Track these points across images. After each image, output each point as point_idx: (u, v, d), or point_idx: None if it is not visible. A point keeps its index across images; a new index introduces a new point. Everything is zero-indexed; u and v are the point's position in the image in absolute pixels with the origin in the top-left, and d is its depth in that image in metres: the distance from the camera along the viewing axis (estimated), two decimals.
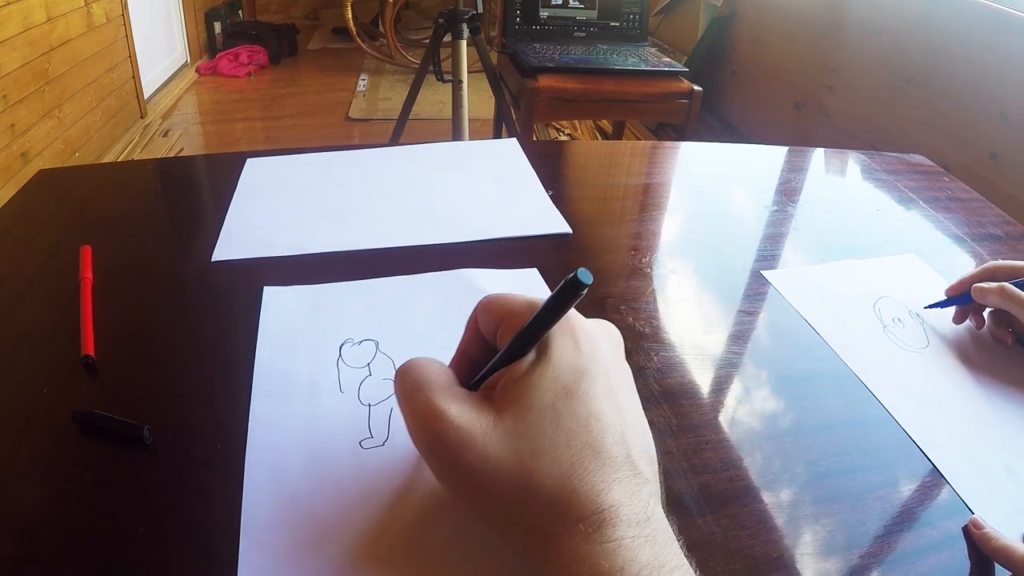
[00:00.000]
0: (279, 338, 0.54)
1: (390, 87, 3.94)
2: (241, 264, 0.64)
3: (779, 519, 0.42)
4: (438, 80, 2.23)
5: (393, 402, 0.47)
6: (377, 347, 0.53)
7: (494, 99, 2.28)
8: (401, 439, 0.44)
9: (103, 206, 0.75)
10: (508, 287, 0.60)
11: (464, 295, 0.59)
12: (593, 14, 2.30)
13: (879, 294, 0.64)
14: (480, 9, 2.13)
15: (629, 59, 2.15)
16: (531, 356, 0.34)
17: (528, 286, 0.61)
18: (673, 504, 0.42)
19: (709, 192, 0.86)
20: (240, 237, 0.67)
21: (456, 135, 2.24)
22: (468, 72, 2.17)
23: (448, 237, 0.69)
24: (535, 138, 2.47)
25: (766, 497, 0.44)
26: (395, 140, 2.30)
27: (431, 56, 2.18)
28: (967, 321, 0.61)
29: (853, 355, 0.56)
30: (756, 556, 0.40)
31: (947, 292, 0.61)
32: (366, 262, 0.64)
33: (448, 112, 2.27)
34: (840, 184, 0.91)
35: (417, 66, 2.45)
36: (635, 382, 0.37)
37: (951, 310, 0.61)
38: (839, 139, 2.20)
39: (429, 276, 0.62)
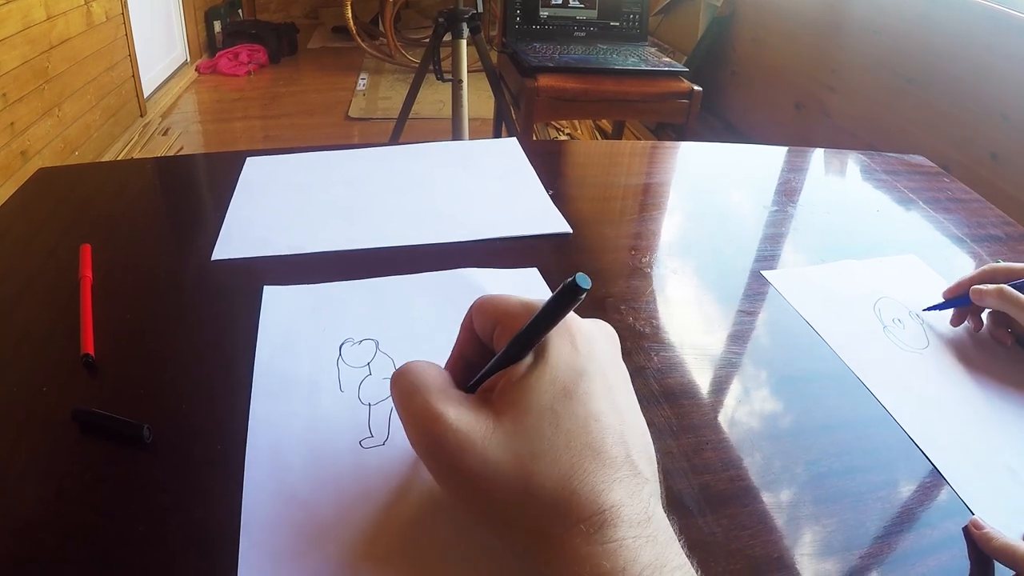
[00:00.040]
0: (279, 337, 0.54)
1: (390, 86, 3.94)
2: (241, 263, 0.64)
3: (780, 519, 0.42)
4: (438, 79, 2.23)
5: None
6: (377, 346, 0.53)
7: (494, 99, 2.28)
8: (401, 439, 0.44)
9: (103, 205, 0.75)
10: (508, 287, 0.60)
11: (464, 295, 0.59)
12: (593, 14, 2.30)
13: (879, 295, 0.64)
14: (480, 8, 2.13)
15: (629, 59, 2.15)
16: (529, 358, 0.34)
17: (528, 286, 0.61)
18: (673, 504, 0.42)
19: (709, 192, 0.86)
20: (240, 236, 0.67)
21: (456, 134, 2.24)
22: (468, 71, 2.17)
23: (448, 236, 0.69)
24: (535, 138, 2.47)
25: (766, 497, 0.44)
26: (395, 139, 2.30)
27: (431, 55, 2.18)
28: (966, 322, 0.61)
29: (853, 355, 0.56)
30: (757, 556, 0.40)
31: (945, 294, 0.61)
32: (366, 261, 0.64)
33: (448, 111, 2.27)
34: (840, 184, 0.91)
35: (417, 65, 2.45)
36: (635, 382, 0.37)
37: (950, 311, 0.61)
38: (839, 139, 2.20)
39: (429, 275, 0.62)
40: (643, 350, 0.56)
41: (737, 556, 0.40)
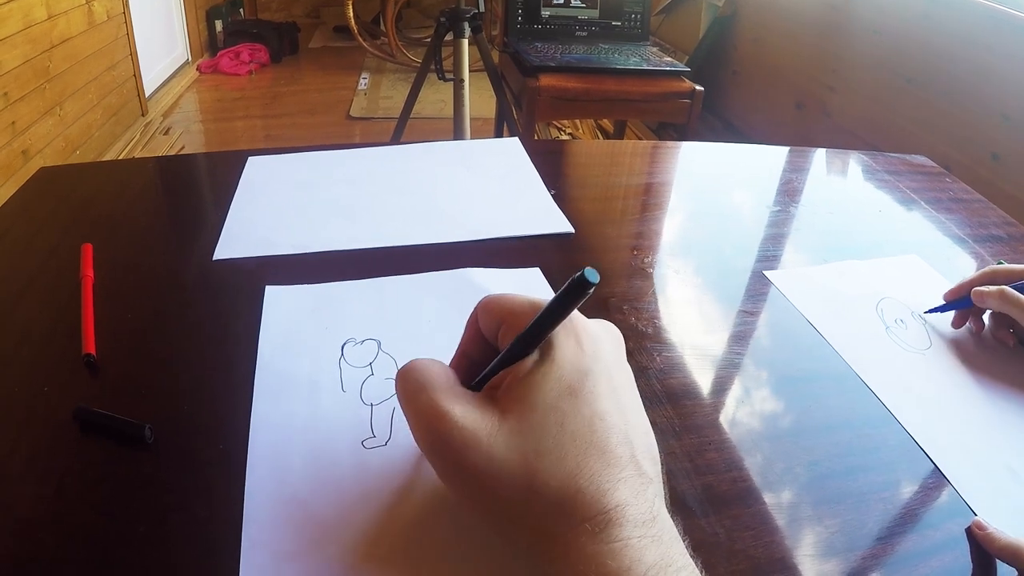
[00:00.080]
0: (281, 337, 0.53)
1: (391, 86, 3.94)
2: (242, 263, 0.64)
3: (782, 520, 0.42)
4: (439, 79, 2.23)
5: (395, 402, 0.47)
6: (379, 346, 0.53)
7: (495, 98, 2.28)
8: (403, 439, 0.44)
9: (104, 204, 0.75)
10: (511, 287, 0.60)
11: (466, 294, 0.59)
12: (595, 13, 2.30)
13: (881, 295, 0.64)
14: (482, 8, 2.13)
15: (631, 59, 2.14)
16: (534, 356, 0.34)
17: (531, 286, 0.61)
18: (676, 505, 0.42)
19: (711, 192, 0.86)
20: (241, 236, 0.67)
21: (457, 134, 2.24)
22: (469, 71, 2.17)
23: (450, 236, 0.69)
24: (536, 137, 2.47)
25: (769, 498, 0.43)
26: (396, 139, 2.30)
27: (432, 55, 2.18)
28: (968, 324, 0.61)
29: (855, 356, 0.56)
30: (759, 557, 0.40)
31: (946, 296, 0.61)
32: (368, 261, 0.64)
33: (449, 111, 2.27)
34: (842, 184, 0.91)
35: (418, 65, 2.45)
36: (638, 382, 0.37)
37: (951, 313, 0.61)
38: (840, 139, 2.20)
39: (431, 275, 0.62)
40: (645, 350, 0.56)
41: (740, 557, 0.39)
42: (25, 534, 0.38)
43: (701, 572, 0.30)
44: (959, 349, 0.58)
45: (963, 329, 0.61)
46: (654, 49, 2.27)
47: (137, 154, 3.04)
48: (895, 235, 0.77)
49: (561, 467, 0.31)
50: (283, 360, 0.51)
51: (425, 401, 0.34)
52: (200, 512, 0.40)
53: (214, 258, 0.64)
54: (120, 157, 2.95)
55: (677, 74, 2.11)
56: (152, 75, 3.54)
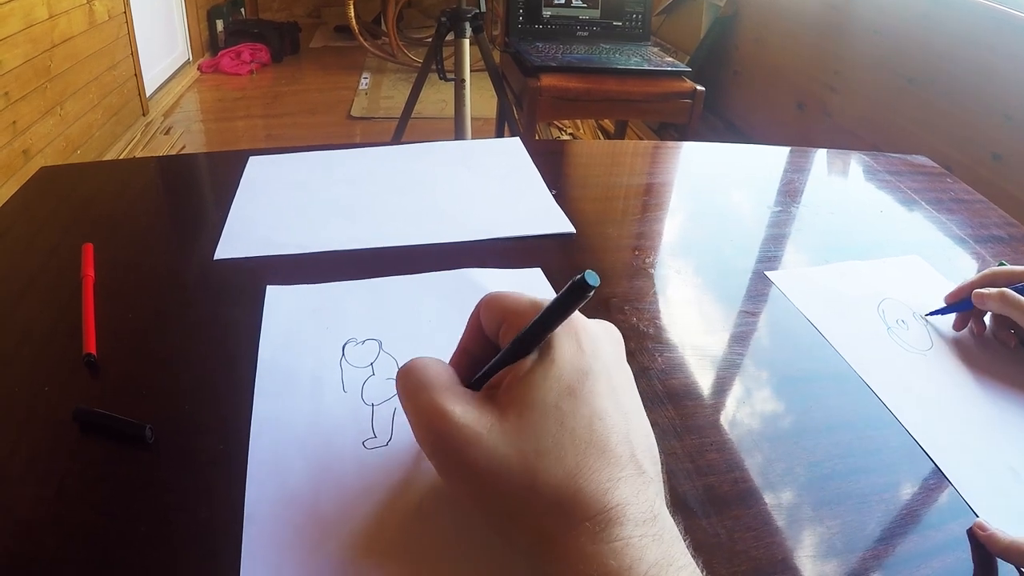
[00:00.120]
0: (282, 337, 0.53)
1: (392, 86, 3.94)
2: (243, 263, 0.64)
3: (783, 521, 0.42)
4: (440, 79, 2.23)
5: (396, 402, 0.47)
6: (380, 346, 0.53)
7: (496, 98, 2.28)
8: (404, 439, 0.44)
9: (105, 204, 0.75)
10: (512, 287, 0.60)
11: (468, 295, 0.59)
12: (596, 13, 2.30)
13: (883, 295, 0.64)
14: (483, 8, 2.13)
15: (632, 59, 2.14)
16: (534, 356, 0.34)
17: (532, 286, 0.61)
18: (678, 505, 0.42)
19: (711, 192, 0.86)
20: (242, 235, 0.67)
21: (458, 134, 2.24)
22: (470, 71, 2.17)
23: (451, 236, 0.69)
24: (537, 137, 2.47)
25: (770, 498, 0.43)
26: (397, 139, 2.30)
27: (433, 55, 2.18)
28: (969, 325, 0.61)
29: (857, 356, 0.56)
30: (761, 558, 0.39)
31: (947, 299, 0.61)
32: (369, 261, 0.64)
33: (450, 111, 2.27)
34: (843, 185, 0.91)
35: (419, 65, 2.45)
36: (639, 383, 0.37)
37: (953, 315, 0.61)
38: (841, 139, 2.20)
39: (433, 275, 0.62)
40: (647, 351, 0.56)
41: (741, 558, 0.39)
42: (25, 534, 0.38)
43: (702, 572, 0.30)
44: (961, 350, 0.58)
45: (964, 330, 0.61)
46: (655, 49, 2.27)
47: (138, 154, 3.04)
48: (896, 235, 0.77)
49: (560, 466, 0.31)
50: (284, 360, 0.51)
51: (425, 400, 0.34)
52: (201, 512, 0.40)
53: (215, 258, 0.64)
54: (121, 157, 2.95)
55: (678, 74, 2.11)
56: (153, 75, 3.55)
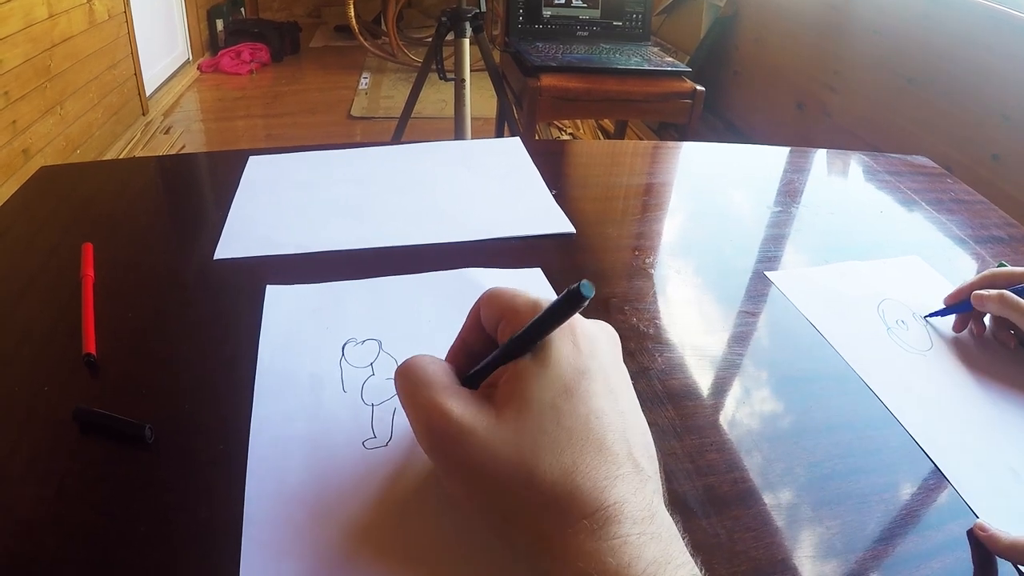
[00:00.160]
0: (281, 337, 0.53)
1: (392, 85, 3.94)
2: (243, 262, 0.64)
3: (783, 521, 0.42)
4: (440, 79, 2.23)
5: (396, 402, 0.47)
6: (380, 346, 0.53)
7: (496, 98, 2.28)
8: (404, 440, 0.44)
9: (105, 203, 0.75)
10: (512, 286, 0.60)
11: (468, 294, 0.58)
12: (596, 13, 2.30)
13: (883, 296, 0.64)
14: (483, 8, 2.13)
15: (632, 58, 2.14)
16: (531, 355, 0.34)
17: (532, 286, 0.61)
18: (677, 505, 0.42)
19: (711, 192, 0.86)
20: (242, 235, 0.67)
21: (458, 134, 2.24)
22: (470, 71, 2.17)
23: (452, 236, 0.69)
24: (537, 137, 2.47)
25: (770, 499, 0.43)
26: (397, 138, 2.30)
27: (433, 54, 2.18)
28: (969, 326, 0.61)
29: (856, 356, 0.56)
30: (760, 558, 0.39)
31: (946, 300, 0.61)
32: (369, 261, 0.64)
33: (450, 111, 2.27)
34: (843, 185, 0.91)
35: (419, 64, 2.45)
36: (639, 383, 0.37)
37: (953, 316, 0.61)
38: (841, 140, 2.20)
39: (433, 275, 0.62)
40: (647, 351, 0.56)
41: (741, 558, 0.39)
42: (25, 534, 0.38)
43: (701, 571, 0.30)
44: (960, 350, 0.58)
45: (964, 331, 0.61)
46: (655, 49, 2.27)
47: (138, 153, 3.04)
48: (896, 236, 0.77)
49: (558, 464, 0.31)
50: (284, 360, 0.51)
51: (424, 398, 0.34)
52: (200, 512, 0.40)
53: (215, 257, 0.64)
54: (121, 156, 2.95)
55: (678, 74, 2.10)
56: (153, 74, 3.54)
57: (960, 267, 0.71)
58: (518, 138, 0.92)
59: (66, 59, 2.62)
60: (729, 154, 0.98)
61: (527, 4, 2.25)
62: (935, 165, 0.96)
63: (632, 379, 0.38)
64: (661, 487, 0.33)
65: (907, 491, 0.45)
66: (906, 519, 0.43)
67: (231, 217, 0.70)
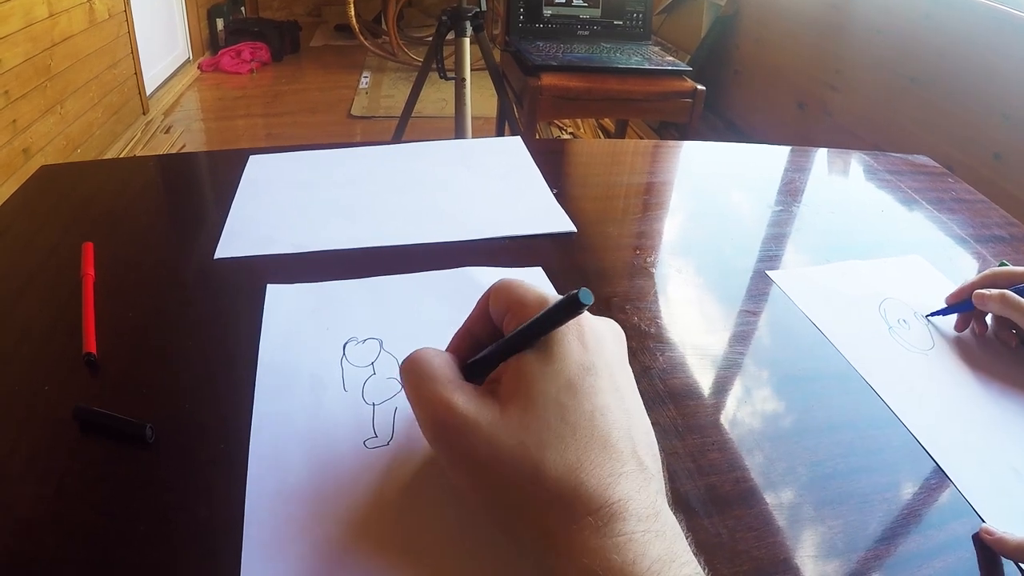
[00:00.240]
0: (282, 337, 0.53)
1: (392, 85, 3.94)
2: (244, 261, 0.64)
3: (785, 520, 0.42)
4: (441, 78, 2.23)
5: (398, 401, 0.47)
6: (381, 346, 0.53)
7: (497, 97, 2.28)
8: (405, 439, 0.44)
9: (105, 202, 0.75)
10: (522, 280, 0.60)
11: (469, 294, 0.58)
12: (596, 12, 2.30)
13: (884, 295, 0.64)
14: (483, 7, 2.13)
15: (632, 58, 2.14)
16: (537, 350, 0.34)
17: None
18: (680, 505, 0.42)
19: (712, 191, 0.86)
20: (243, 234, 0.67)
21: (459, 133, 2.24)
22: (471, 70, 2.17)
23: (452, 235, 0.69)
24: (537, 136, 2.47)
25: (772, 498, 0.43)
26: (397, 138, 2.30)
27: (434, 54, 2.18)
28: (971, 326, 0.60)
29: (858, 356, 0.56)
30: (762, 558, 0.39)
31: (948, 300, 0.61)
32: (370, 260, 0.64)
33: (450, 110, 2.27)
34: (844, 184, 0.91)
35: (420, 64, 2.45)
36: (641, 382, 0.37)
37: (954, 315, 0.61)
38: (842, 139, 2.20)
39: (433, 274, 0.61)
40: (648, 350, 0.55)
41: (743, 557, 0.39)
42: (25, 534, 0.38)
43: (704, 570, 0.30)
44: (962, 350, 0.58)
45: (966, 330, 0.60)
46: (656, 48, 2.27)
47: (138, 152, 3.04)
48: (897, 235, 0.77)
49: (562, 460, 0.31)
50: (284, 359, 0.51)
51: (430, 391, 0.35)
52: (200, 511, 0.40)
53: (215, 257, 0.64)
54: (121, 156, 2.95)
55: (679, 73, 2.10)
56: (153, 73, 3.54)
57: (961, 266, 0.71)
58: (519, 137, 0.92)
59: (66, 58, 2.61)
60: (730, 153, 0.98)
61: (527, 3, 2.25)
62: (936, 164, 0.96)
63: (634, 378, 0.38)
64: (664, 486, 0.33)
65: (909, 490, 0.45)
66: (908, 518, 0.43)
67: (231, 216, 0.70)
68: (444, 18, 2.09)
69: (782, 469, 0.46)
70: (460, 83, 2.15)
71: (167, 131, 3.28)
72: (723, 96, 2.89)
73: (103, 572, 0.37)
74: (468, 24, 2.09)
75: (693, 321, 0.60)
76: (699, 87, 2.06)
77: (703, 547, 0.36)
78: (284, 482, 0.41)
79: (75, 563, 0.37)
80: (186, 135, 3.26)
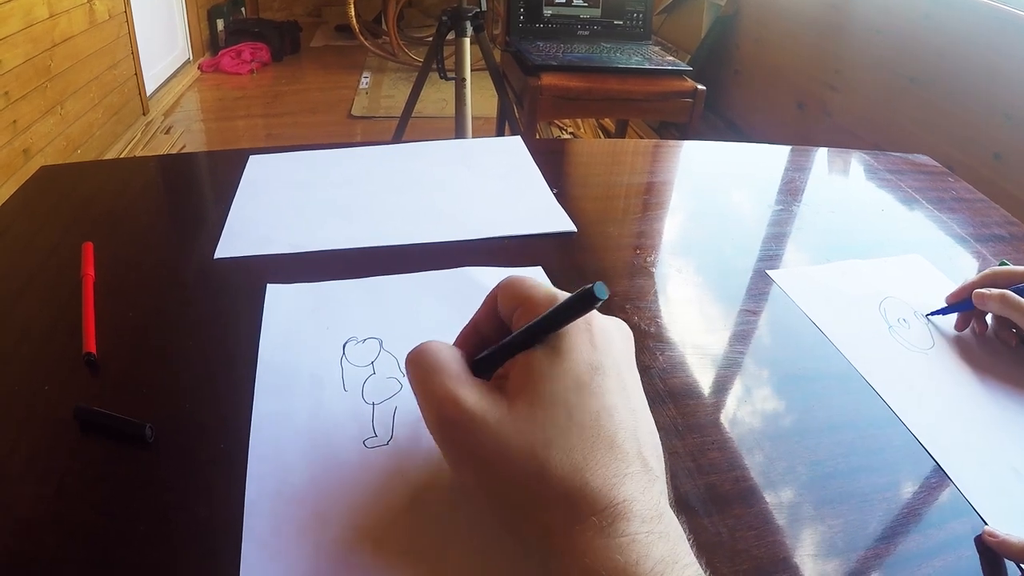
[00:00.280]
0: (282, 336, 0.53)
1: (392, 85, 3.94)
2: (244, 261, 0.64)
3: (785, 520, 0.42)
4: (441, 78, 2.23)
5: (397, 401, 0.47)
6: (381, 345, 0.53)
7: (497, 97, 2.28)
8: (405, 439, 0.44)
9: (105, 203, 0.75)
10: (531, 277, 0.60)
11: (469, 293, 0.59)
12: (597, 12, 2.30)
13: (884, 294, 0.64)
14: (483, 7, 2.13)
15: (633, 58, 2.14)
16: (546, 347, 0.34)
17: None
18: (680, 504, 0.42)
19: (712, 191, 0.86)
20: (243, 234, 0.67)
21: (459, 133, 2.24)
22: (471, 70, 2.17)
23: (452, 235, 0.69)
24: (537, 136, 2.47)
25: (772, 497, 0.43)
26: (398, 138, 2.30)
27: (434, 54, 2.18)
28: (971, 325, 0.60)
29: (858, 355, 0.56)
30: (762, 557, 0.39)
31: (948, 299, 0.61)
32: (370, 260, 0.64)
33: (451, 110, 2.27)
34: (844, 184, 0.91)
35: (420, 64, 2.45)
36: (641, 381, 0.37)
37: (955, 315, 0.61)
38: (841, 139, 2.20)
39: (433, 274, 0.61)
40: (648, 349, 0.55)
41: (743, 556, 0.39)
42: (25, 533, 0.38)
43: (705, 572, 0.30)
44: (962, 349, 0.58)
45: (966, 329, 0.60)
46: (656, 48, 2.27)
47: (138, 153, 3.04)
48: (897, 234, 0.77)
49: (568, 459, 0.31)
50: (284, 359, 0.51)
51: (437, 385, 0.34)
52: (200, 511, 0.40)
53: (215, 256, 0.64)
54: (121, 156, 2.95)
55: (679, 73, 2.10)
56: (153, 74, 3.54)
57: (961, 266, 0.71)
58: (519, 137, 0.92)
59: (66, 59, 2.61)
60: (730, 153, 0.98)
61: (528, 3, 2.25)
62: (936, 164, 0.96)
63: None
64: (667, 488, 0.33)
65: (909, 490, 0.45)
66: (908, 518, 0.43)
67: (231, 216, 0.70)
68: (444, 18, 2.10)
69: (782, 468, 0.45)
70: (460, 83, 2.15)
71: (167, 132, 3.28)
72: (723, 96, 2.89)
73: (103, 572, 0.37)
74: (468, 24, 2.09)
75: (693, 320, 0.60)
76: (699, 87, 2.06)
77: (703, 546, 0.36)
78: (284, 482, 0.41)
79: (75, 563, 0.37)
80: (186, 135, 3.26)
